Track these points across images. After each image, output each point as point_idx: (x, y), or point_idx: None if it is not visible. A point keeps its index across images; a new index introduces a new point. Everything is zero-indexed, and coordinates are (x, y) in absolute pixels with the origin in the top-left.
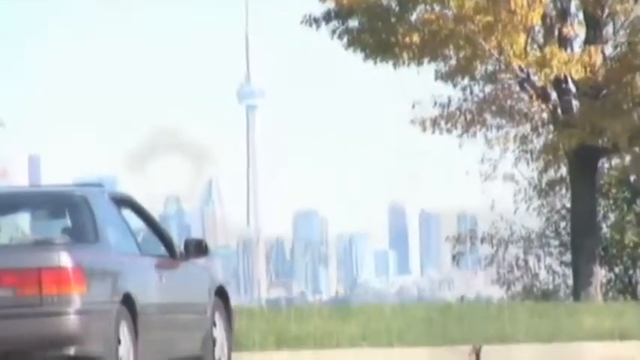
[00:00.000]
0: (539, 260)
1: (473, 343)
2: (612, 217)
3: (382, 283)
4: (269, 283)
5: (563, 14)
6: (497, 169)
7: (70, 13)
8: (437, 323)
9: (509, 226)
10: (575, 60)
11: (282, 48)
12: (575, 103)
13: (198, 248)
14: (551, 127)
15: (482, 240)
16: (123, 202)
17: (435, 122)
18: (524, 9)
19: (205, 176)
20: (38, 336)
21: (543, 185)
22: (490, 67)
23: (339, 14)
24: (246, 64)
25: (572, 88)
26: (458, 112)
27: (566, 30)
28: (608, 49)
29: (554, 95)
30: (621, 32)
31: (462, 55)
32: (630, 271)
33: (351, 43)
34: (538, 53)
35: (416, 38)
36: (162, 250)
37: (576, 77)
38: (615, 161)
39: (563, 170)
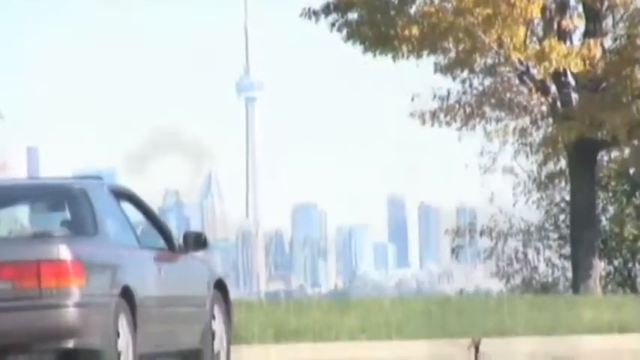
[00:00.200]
0: (538, 253)
1: (472, 336)
2: (611, 209)
3: (381, 276)
4: (268, 276)
5: (563, 7)
6: (497, 162)
7: (69, 7)
8: (436, 316)
9: (509, 219)
10: (575, 53)
11: (282, 41)
12: (574, 96)
13: (197, 241)
14: (550, 120)
15: (482, 233)
16: (122, 194)
17: (434, 115)
18: (524, 2)
19: (204, 169)
20: (37, 329)
21: (543, 178)
22: (489, 60)
23: (338, 7)
24: (245, 56)
25: (572, 81)
26: (457, 105)
27: (566, 23)
28: (608, 42)
29: (553, 88)
30: (620, 25)
31: (461, 47)
32: (629, 264)
33: (350, 36)
34: (537, 46)
35: (415, 31)
36: (162, 243)
37: (575, 70)
38: (614, 154)
39: (563, 163)
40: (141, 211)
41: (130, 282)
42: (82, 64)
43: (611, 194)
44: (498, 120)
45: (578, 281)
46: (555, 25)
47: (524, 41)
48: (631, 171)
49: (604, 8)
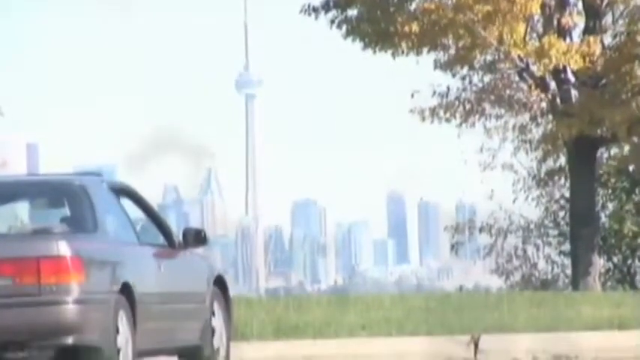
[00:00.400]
0: (538, 250)
1: (472, 332)
2: (611, 206)
3: (381, 273)
4: (268, 273)
5: (563, 4)
6: (496, 159)
7: (69, 3)
8: (436, 313)
9: (508, 216)
10: (574, 50)
11: (281, 37)
12: (574, 92)
13: (196, 238)
14: (550, 116)
15: (481, 230)
16: (122, 191)
17: (433, 112)
18: None
19: (204, 166)
20: (37, 325)
21: (542, 175)
22: (489, 57)
23: (338, 3)
24: (245, 53)
25: (571, 77)
26: (457, 102)
27: (565, 20)
28: (607, 39)
29: (553, 85)
30: (620, 22)
31: (461, 44)
32: (629, 261)
33: (350, 33)
34: (537, 43)
35: (415, 27)
36: (161, 239)
37: (575, 67)
38: (614, 151)
39: (562, 160)
40: (140, 207)
41: (130, 278)
42: (81, 59)
43: (610, 191)
44: (498, 117)
45: (578, 278)
46: (555, 22)
47: (524, 38)
48: (630, 168)
49: (604, 5)
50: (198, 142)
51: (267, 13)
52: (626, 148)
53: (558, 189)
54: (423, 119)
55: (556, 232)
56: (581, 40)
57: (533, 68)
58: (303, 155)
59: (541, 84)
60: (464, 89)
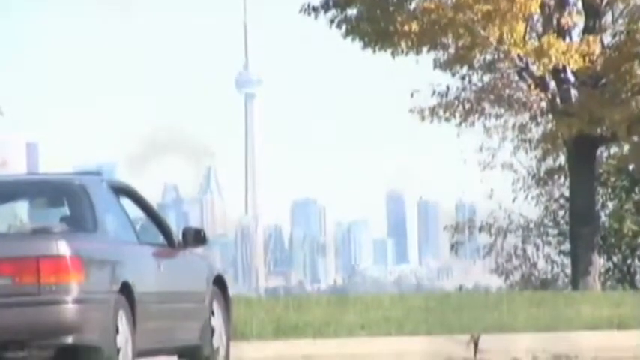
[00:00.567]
0: (537, 249)
1: (471, 332)
2: (611, 206)
3: (380, 272)
4: (267, 272)
5: (562, 3)
6: (496, 158)
7: (70, 3)
8: (435, 312)
9: (508, 215)
10: (574, 49)
11: (281, 37)
12: (573, 92)
13: (196, 237)
14: (549, 116)
15: (481, 229)
16: (121, 191)
17: (433, 111)
18: None
19: (203, 165)
20: (36, 325)
21: (542, 174)
22: (489, 56)
23: (337, 3)
24: (244, 52)
25: (571, 77)
26: (456, 101)
27: (565, 20)
28: (607, 38)
29: (552, 84)
30: (620, 21)
31: (460, 44)
32: (629, 260)
33: (349, 32)
34: (536, 43)
35: (415, 27)
36: (161, 239)
37: (574, 67)
38: (614, 150)
39: (562, 159)
40: (140, 207)
41: (130, 278)
42: (81, 60)
43: (610, 190)
44: (498, 116)
45: (578, 277)
46: (555, 22)
47: (524, 37)
48: (630, 167)
49: (603, 4)
50: (197, 141)
51: (266, 12)
52: (626, 147)
53: (558, 188)
54: (423, 119)
55: (556, 232)
56: (581, 40)
57: (533, 68)
58: (303, 154)
59: (541, 83)
60: (463, 89)
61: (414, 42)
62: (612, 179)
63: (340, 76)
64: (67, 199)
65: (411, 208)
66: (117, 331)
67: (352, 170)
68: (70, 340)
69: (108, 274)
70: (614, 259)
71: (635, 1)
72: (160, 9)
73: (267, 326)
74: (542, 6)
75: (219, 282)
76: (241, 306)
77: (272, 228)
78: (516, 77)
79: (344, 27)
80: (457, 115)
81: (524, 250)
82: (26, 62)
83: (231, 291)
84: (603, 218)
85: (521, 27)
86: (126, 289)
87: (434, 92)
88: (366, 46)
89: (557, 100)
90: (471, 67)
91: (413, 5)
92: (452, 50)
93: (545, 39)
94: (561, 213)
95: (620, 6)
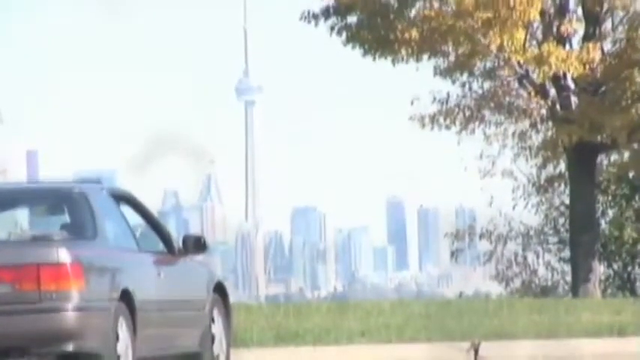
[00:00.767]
0: (537, 256)
1: (472, 339)
2: (611, 213)
3: (381, 279)
4: (267, 280)
5: (562, 10)
6: (496, 166)
7: (68, 10)
8: (435, 319)
9: (508, 223)
10: (574, 57)
11: (281, 44)
12: (573, 99)
13: (196, 244)
14: (550, 123)
15: (481, 236)
16: (121, 198)
17: (433, 118)
18: (523, 5)
19: (204, 172)
20: (37, 332)
21: (542, 181)
22: (489, 64)
23: (338, 10)
24: (244, 59)
25: (571, 84)
26: (457, 109)
27: (565, 27)
28: (607, 45)
29: (552, 91)
30: (620, 28)
31: (461, 51)
32: (629, 268)
33: (350, 39)
34: (536, 50)
35: (415, 34)
36: (161, 246)
37: (575, 74)
38: (614, 157)
39: (562, 166)
40: (140, 214)
41: (130, 285)
42: (81, 68)
43: (610, 198)
44: (498, 123)
45: (578, 284)
46: (554, 29)
47: (524, 44)
48: (630, 174)
49: (604, 11)
50: (198, 148)
51: (266, 19)
52: (626, 154)
53: (558, 195)
54: (423, 126)
55: (556, 239)
56: (581, 47)
57: (533, 75)
58: (303, 161)
59: (541, 91)
60: (464, 96)
61: (415, 49)
62: (612, 187)
63: (340, 83)
64: (67, 206)
65: (411, 215)
66: (117, 338)
67: (352, 177)
68: (70, 347)
69: (108, 281)
70: (615, 266)
71: (635, 8)
72: (160, 15)
73: (268, 333)
74: (542, 13)
75: (220, 289)
76: (242, 313)
77: (272, 235)
78: (516, 85)
79: (344, 34)
80: (457, 122)
81: (525, 258)
82: (25, 67)
83: (232, 298)
84: (603, 225)
85: (521, 34)
86: (126, 297)
87: (434, 99)
88: (366, 53)
89: (558, 107)
90: (471, 74)
91: (413, 13)
92: (452, 57)
93: (545, 46)
94: (561, 220)
95: (620, 13)
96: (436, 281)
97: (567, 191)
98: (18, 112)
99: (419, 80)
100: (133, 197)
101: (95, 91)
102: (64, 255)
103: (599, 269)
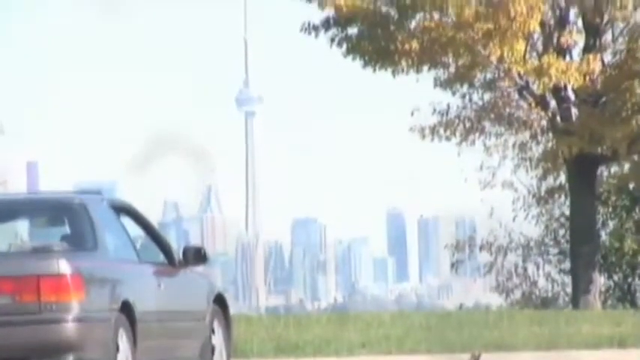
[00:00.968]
0: (538, 268)
1: (472, 350)
2: (611, 224)
3: (381, 290)
4: (268, 291)
5: (562, 22)
6: (496, 177)
7: (68, 23)
8: (436, 330)
9: (508, 234)
10: (574, 68)
11: (281, 55)
12: (574, 110)
13: (197, 256)
14: (550, 134)
15: (481, 247)
16: (122, 209)
17: (434, 130)
18: (523, 16)
19: (204, 182)
20: (37, 343)
21: (542, 193)
22: (489, 75)
23: (338, 22)
24: (245, 70)
25: (571, 95)
26: (457, 120)
27: (565, 38)
28: (608, 57)
29: (553, 103)
30: (620, 39)
31: (461, 62)
32: (629, 279)
33: (350, 51)
34: (536, 62)
35: (415, 45)
36: (161, 257)
37: (575, 85)
38: (614, 169)
39: (562, 178)
40: (141, 225)
41: (130, 297)
42: (81, 77)
43: (610, 209)
44: (498, 135)
45: (578, 296)
46: (555, 40)
47: (524, 56)
48: (631, 186)
49: (604, 23)
50: (198, 158)
51: (267, 30)
52: (626, 166)
53: (558, 207)
54: (423, 137)
55: (556, 250)
56: (581, 58)
57: (533, 86)
58: (303, 172)
59: (541, 102)
60: (464, 107)
61: (415, 60)
62: (613, 198)
63: (341, 94)
64: (67, 217)
65: (411, 226)
66: (117, 349)
67: (352, 188)
68: (70, 358)
69: (108, 292)
70: (615, 277)
71: (636, 19)
72: (160, 26)
73: (268, 345)
74: (542, 24)
75: (220, 300)
76: (242, 324)
77: (272, 245)
78: (517, 96)
79: (344, 45)
80: (457, 133)
81: (525, 269)
82: (24, 68)
83: (232, 309)
84: (604, 237)
85: (521, 45)
86: (126, 308)
87: (434, 111)
88: (366, 64)
89: (558, 118)
90: (471, 85)
91: (413, 24)
92: (452, 69)
93: (545, 58)
94: (562, 232)
95: (621, 25)
96: (436, 292)
97: (567, 203)
98: (19, 120)
99: (419, 91)
100: (133, 208)
101: (96, 97)
102: (64, 266)
103: (600, 281)
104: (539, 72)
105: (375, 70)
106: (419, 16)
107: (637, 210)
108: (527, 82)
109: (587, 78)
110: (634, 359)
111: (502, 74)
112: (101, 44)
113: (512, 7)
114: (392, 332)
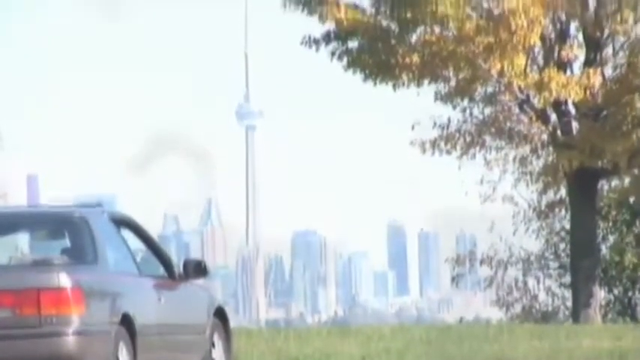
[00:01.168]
0: (538, 282)
1: None
2: (612, 238)
3: (381, 304)
4: (268, 304)
5: (563, 36)
6: (497, 191)
7: (68, 30)
8: (436, 344)
9: (509, 248)
10: (574, 82)
11: (282, 69)
12: (574, 124)
13: (197, 269)
14: (550, 148)
15: (482, 261)
16: (122, 222)
17: (434, 143)
18: (524, 29)
19: (204, 196)
20: (37, 357)
21: (543, 207)
22: (490, 89)
23: (338, 35)
24: (245, 84)
25: (572, 109)
26: (457, 134)
27: (565, 53)
28: (608, 71)
29: (553, 117)
30: (621, 53)
31: (461, 76)
32: (630, 293)
33: (350, 64)
34: (537, 76)
35: (416, 59)
36: (162, 270)
37: (575, 99)
38: (615, 183)
39: (563, 192)
40: (141, 238)
41: (130, 310)
42: (80, 90)
43: (611, 223)
44: (498, 149)
45: (579, 310)
46: (555, 54)
47: (525, 69)
48: (631, 200)
49: (604, 37)
50: (198, 172)
51: (267, 44)
52: (627, 180)
53: (559, 221)
54: (424, 151)
55: (556, 264)
56: (582, 72)
57: (534, 100)
58: (303, 186)
59: (541, 116)
60: (464, 121)
61: (415, 74)
62: (613, 212)
63: (341, 108)
64: (67, 230)
65: (411, 240)
66: None
67: (353, 201)
68: None
69: (108, 305)
70: (615, 291)
71: (636, 33)
72: (160, 39)
73: (268, 358)
74: (542, 38)
75: (220, 314)
76: (242, 338)
77: (273, 259)
78: (517, 110)
79: (345, 59)
80: (458, 147)
81: (525, 283)
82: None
83: (232, 323)
84: (604, 251)
85: (521, 59)
86: (126, 321)
87: (435, 124)
88: (367, 78)
89: (558, 132)
90: (471, 99)
91: (414, 38)
92: (453, 83)
93: (545, 72)
94: (562, 246)
95: (621, 38)
96: (437, 306)
97: (568, 217)
98: (18, 125)
99: (420, 105)
100: (133, 221)
101: (96, 98)
102: (64, 279)
103: (600, 294)
104: (540, 86)
105: (375, 83)
106: (419, 29)
107: (637, 224)
108: (527, 96)
109: (588, 92)
110: None
111: (503, 88)
112: (101, 45)
113: (513, 21)
114: (392, 346)
